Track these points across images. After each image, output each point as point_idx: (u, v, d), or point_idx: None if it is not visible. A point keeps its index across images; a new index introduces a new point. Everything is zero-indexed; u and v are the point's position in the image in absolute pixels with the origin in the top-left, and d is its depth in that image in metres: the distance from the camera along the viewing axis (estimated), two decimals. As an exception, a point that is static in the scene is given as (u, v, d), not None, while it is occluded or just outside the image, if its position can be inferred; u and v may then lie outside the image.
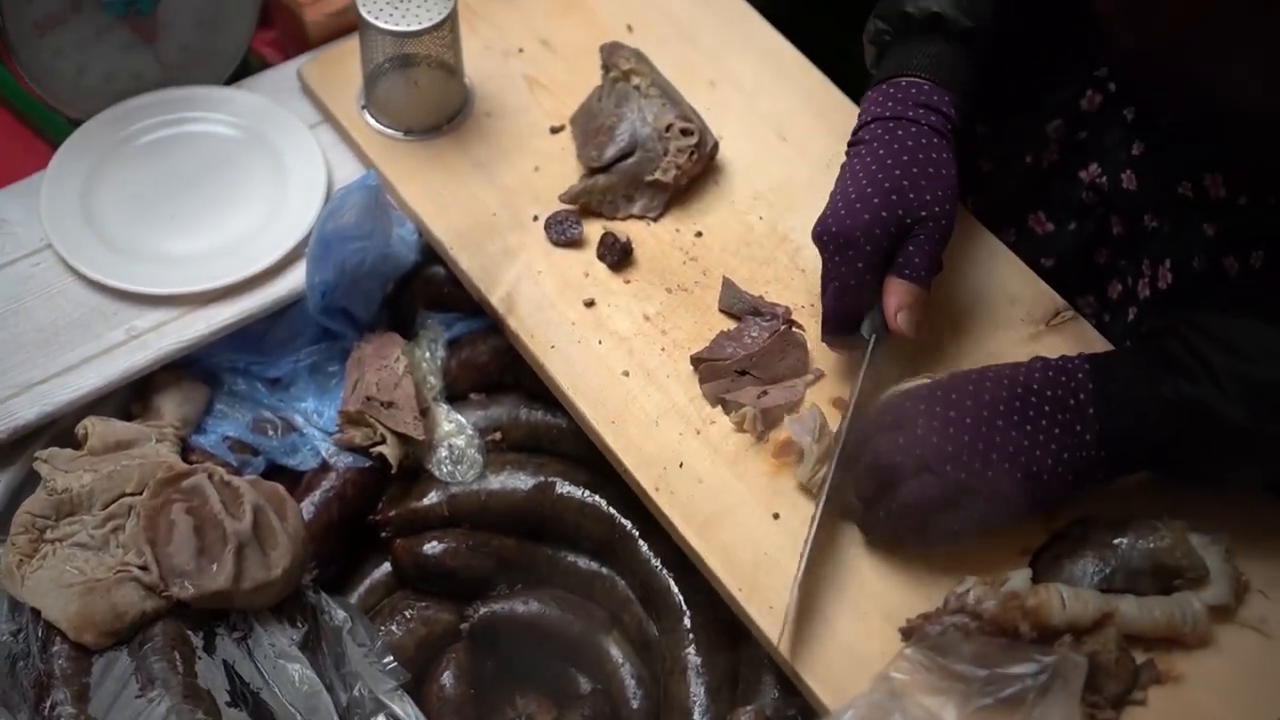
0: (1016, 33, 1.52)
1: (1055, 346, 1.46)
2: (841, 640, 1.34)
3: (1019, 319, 1.54)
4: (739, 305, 1.54)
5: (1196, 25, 1.26)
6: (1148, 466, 1.38)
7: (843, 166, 1.46)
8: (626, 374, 1.50)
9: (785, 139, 1.68)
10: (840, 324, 1.45)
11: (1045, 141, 1.60)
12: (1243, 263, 1.44)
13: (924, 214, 1.41)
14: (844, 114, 1.67)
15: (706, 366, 1.50)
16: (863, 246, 1.40)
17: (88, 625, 1.37)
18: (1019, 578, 1.32)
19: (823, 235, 1.43)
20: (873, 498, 1.36)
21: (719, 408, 1.48)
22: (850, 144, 1.48)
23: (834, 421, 1.44)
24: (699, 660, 1.45)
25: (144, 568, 1.39)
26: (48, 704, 1.34)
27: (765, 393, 1.47)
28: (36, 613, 1.38)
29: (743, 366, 1.50)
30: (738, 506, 1.42)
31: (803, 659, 1.33)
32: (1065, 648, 1.26)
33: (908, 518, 1.34)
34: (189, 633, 1.39)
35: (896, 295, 1.41)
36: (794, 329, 1.52)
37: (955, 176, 1.44)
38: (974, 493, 1.31)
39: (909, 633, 1.33)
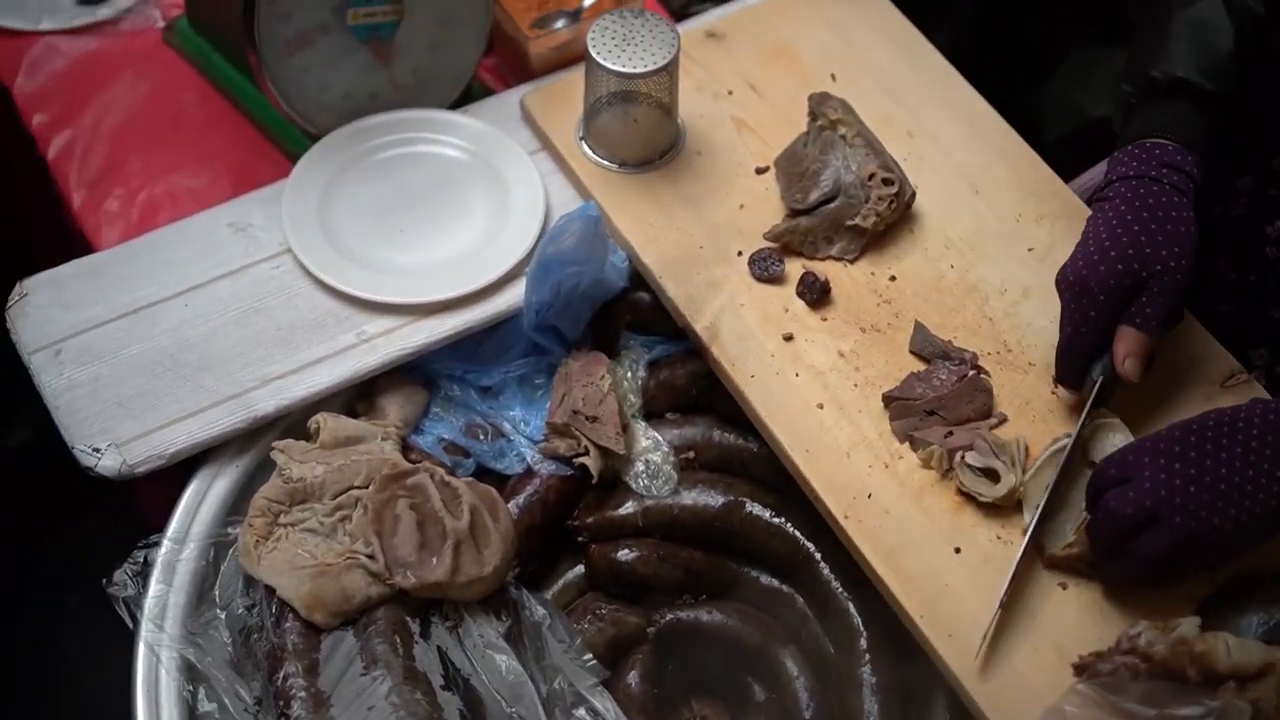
0: (1250, 94, 1.60)
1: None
2: (1016, 671, 1.43)
3: (1198, 378, 1.62)
4: (929, 349, 1.64)
5: None
6: None
7: (1088, 220, 1.56)
8: (821, 406, 1.60)
9: (978, 192, 1.77)
10: (1070, 365, 1.56)
11: (1235, 195, 1.68)
12: None
13: (1159, 268, 1.50)
14: (1034, 171, 1.77)
15: (897, 405, 1.60)
16: (1097, 295, 1.51)
17: (318, 605, 1.49)
18: (1189, 624, 1.40)
19: (1062, 283, 1.55)
20: (1109, 550, 1.45)
21: (906, 444, 1.57)
22: (1095, 199, 1.58)
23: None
24: (874, 679, 1.55)
25: (371, 556, 1.51)
26: (280, 675, 1.46)
27: (951, 433, 1.57)
28: (271, 590, 1.50)
29: (931, 407, 1.59)
30: (921, 538, 1.51)
31: (977, 685, 1.43)
32: (1230, 694, 1.34)
33: (1144, 568, 1.42)
34: (408, 619, 1.50)
35: (1125, 343, 1.51)
36: (981, 374, 1.62)
37: (1194, 235, 1.53)
38: (1202, 538, 1.38)
39: (1081, 669, 1.41)
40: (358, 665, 1.46)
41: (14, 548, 2.28)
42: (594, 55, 1.70)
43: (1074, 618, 1.47)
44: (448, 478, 1.56)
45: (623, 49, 1.70)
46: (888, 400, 1.60)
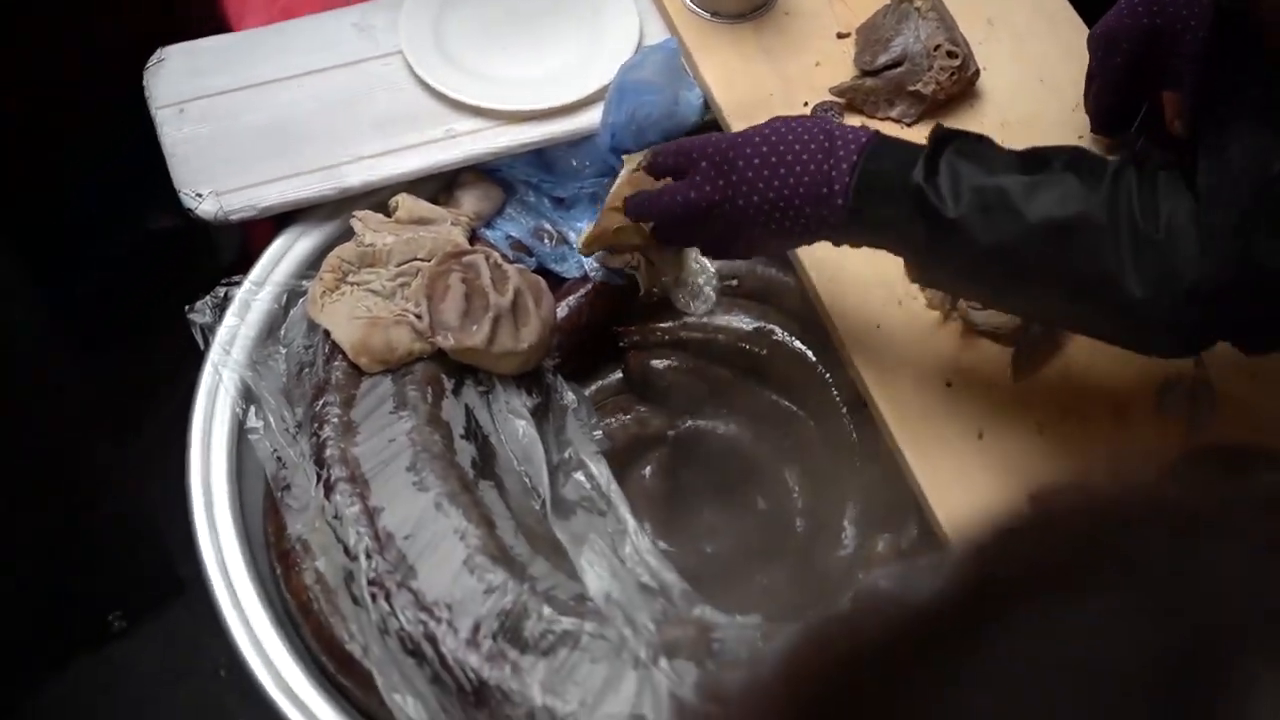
0: None
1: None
2: (978, 498, 1.54)
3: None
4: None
5: None
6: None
7: None
8: (851, 246, 1.72)
9: (1043, 81, 1.86)
10: (1103, 120, 1.70)
11: None
12: None
13: (1180, 26, 1.55)
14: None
15: None
16: (1122, 45, 1.60)
17: (364, 350, 1.65)
18: None
19: (1091, 40, 1.65)
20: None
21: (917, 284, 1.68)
22: None
23: None
24: (856, 497, 1.67)
25: (419, 317, 1.66)
26: (320, 402, 1.62)
27: None
28: (327, 334, 1.67)
29: None
30: (916, 369, 1.63)
31: (939, 499, 1.55)
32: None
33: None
34: (443, 376, 1.65)
35: (1170, 106, 1.61)
36: None
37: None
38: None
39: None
40: (389, 405, 1.62)
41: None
42: (699, -95, 1.84)
43: (1042, 456, 1.57)
44: (501, 262, 1.71)
45: (733, -96, 1.84)
46: None
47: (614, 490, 1.61)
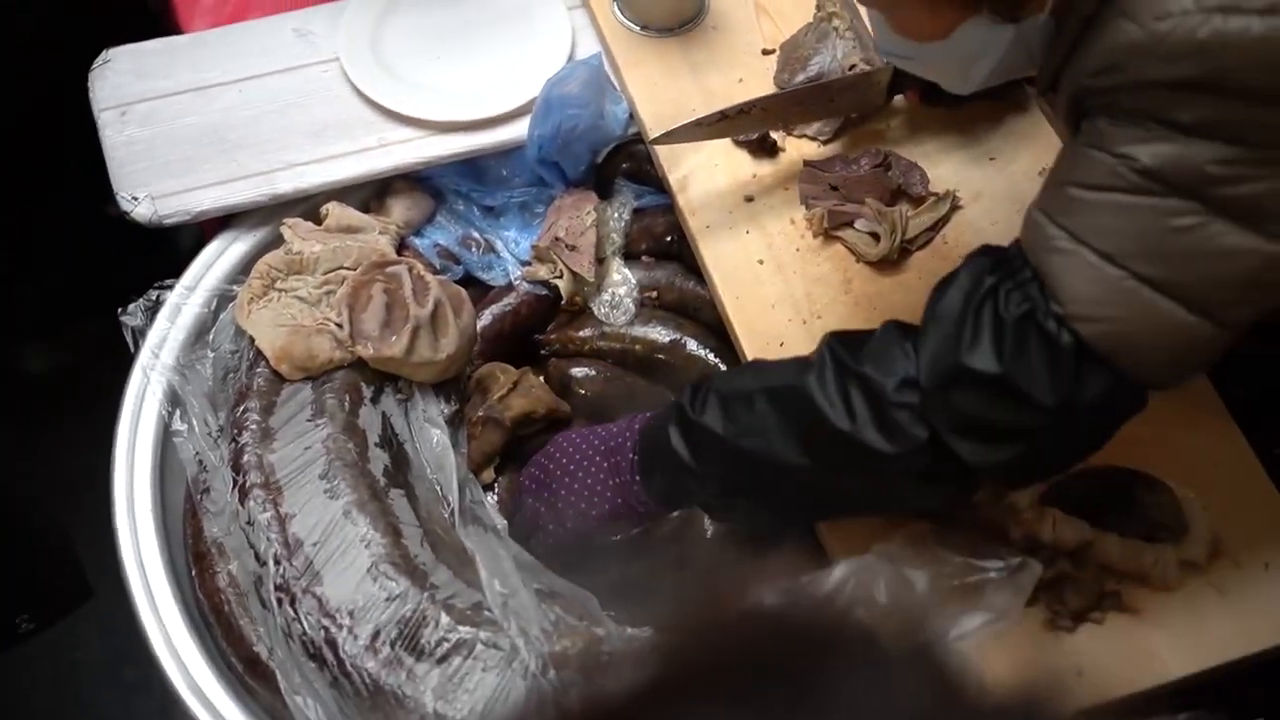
0: None
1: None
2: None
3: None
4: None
5: None
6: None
7: None
8: (761, 262, 1.76)
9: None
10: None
11: None
12: None
13: None
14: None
15: (809, 171, 1.80)
16: None
17: (286, 357, 1.70)
18: (1026, 494, 1.55)
19: None
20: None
21: (819, 294, 1.74)
22: None
23: None
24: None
25: (340, 325, 1.72)
26: (241, 408, 1.68)
27: (843, 205, 1.77)
28: (252, 340, 1.73)
29: (837, 183, 1.78)
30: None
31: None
32: (1028, 556, 1.49)
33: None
34: (363, 384, 1.71)
35: None
36: (889, 174, 1.79)
37: None
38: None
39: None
40: (307, 412, 1.68)
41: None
42: (625, -76, 1.88)
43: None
44: (424, 273, 1.76)
45: (657, -79, 1.88)
46: (808, 163, 1.80)
47: (520, 499, 1.68)
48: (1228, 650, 1.52)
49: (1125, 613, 1.54)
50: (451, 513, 1.65)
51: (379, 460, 1.66)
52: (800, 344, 1.70)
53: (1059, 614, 1.53)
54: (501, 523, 1.70)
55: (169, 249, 2.11)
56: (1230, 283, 1.27)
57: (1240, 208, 1.23)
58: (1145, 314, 1.28)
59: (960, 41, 1.42)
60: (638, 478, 1.57)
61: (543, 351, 1.86)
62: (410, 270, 1.76)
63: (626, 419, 1.62)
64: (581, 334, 1.85)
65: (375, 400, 1.72)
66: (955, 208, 1.79)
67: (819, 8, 1.91)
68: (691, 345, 1.82)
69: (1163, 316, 1.28)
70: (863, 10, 1.82)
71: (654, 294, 1.87)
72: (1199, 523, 1.57)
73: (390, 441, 1.70)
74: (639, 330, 1.84)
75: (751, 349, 1.71)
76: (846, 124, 1.86)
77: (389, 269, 1.76)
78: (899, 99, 1.86)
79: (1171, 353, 1.31)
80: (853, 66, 1.85)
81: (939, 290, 1.40)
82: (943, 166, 1.83)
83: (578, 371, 1.84)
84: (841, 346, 1.43)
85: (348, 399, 1.69)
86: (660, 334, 1.84)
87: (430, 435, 1.71)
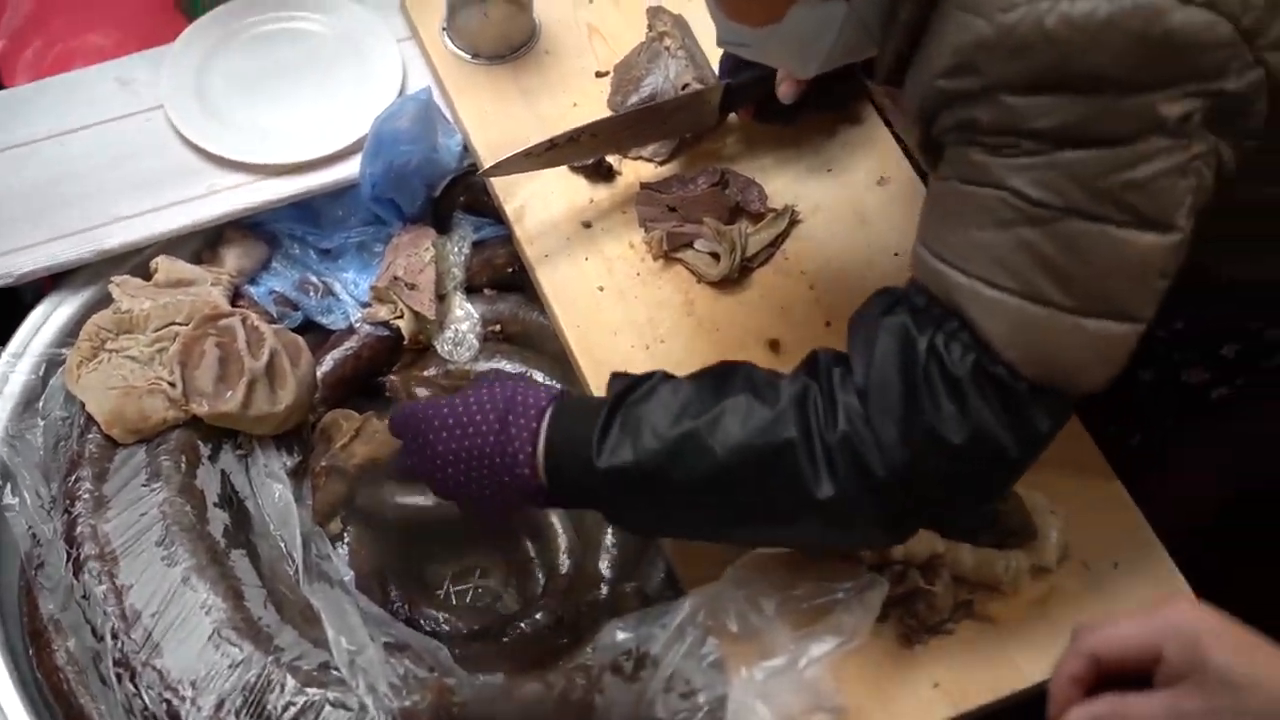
0: None
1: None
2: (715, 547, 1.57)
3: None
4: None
5: None
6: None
7: None
8: (601, 289, 1.74)
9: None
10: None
11: None
12: None
13: None
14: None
15: (645, 193, 1.78)
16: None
17: (118, 421, 1.66)
18: None
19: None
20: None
21: (662, 318, 1.72)
22: None
23: None
24: (612, 542, 1.69)
25: (173, 384, 1.67)
26: (73, 477, 1.63)
27: (681, 226, 1.74)
28: (83, 405, 1.68)
29: (675, 204, 1.76)
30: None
31: (680, 547, 1.58)
32: (876, 574, 1.48)
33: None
34: (200, 443, 1.67)
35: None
36: (726, 192, 1.76)
37: None
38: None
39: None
40: (142, 476, 1.63)
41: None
42: (450, -51, 1.85)
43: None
44: (258, 323, 1.72)
45: (483, -53, 1.85)
46: (644, 186, 1.78)
47: (366, 550, 1.64)
48: (1084, 653, 1.51)
49: (979, 621, 1.53)
50: (296, 570, 1.61)
51: (219, 521, 1.62)
52: (643, 370, 1.67)
53: (912, 628, 1.51)
54: (349, 574, 1.65)
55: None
56: (1145, 283, 1.27)
57: (1134, 210, 1.22)
58: (1077, 339, 1.27)
59: (794, 23, 1.41)
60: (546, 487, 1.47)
61: (387, 394, 1.82)
62: (244, 321, 1.72)
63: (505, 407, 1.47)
64: (426, 373, 1.81)
65: (213, 458, 1.67)
66: (794, 222, 1.77)
67: (650, 27, 1.88)
68: (538, 377, 1.78)
69: (1093, 334, 1.27)
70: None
71: (498, 327, 1.83)
72: (1048, 526, 1.55)
73: (230, 500, 1.65)
74: (484, 365, 1.80)
75: (595, 379, 1.68)
76: (682, 144, 1.84)
77: (221, 322, 1.72)
78: (733, 117, 1.83)
79: (1108, 365, 1.31)
80: (685, 86, 1.82)
81: (857, 370, 1.34)
82: (780, 181, 1.81)
83: (424, 412, 1.80)
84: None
85: (184, 459, 1.65)
86: (506, 368, 1.80)
87: (272, 490, 1.67)
